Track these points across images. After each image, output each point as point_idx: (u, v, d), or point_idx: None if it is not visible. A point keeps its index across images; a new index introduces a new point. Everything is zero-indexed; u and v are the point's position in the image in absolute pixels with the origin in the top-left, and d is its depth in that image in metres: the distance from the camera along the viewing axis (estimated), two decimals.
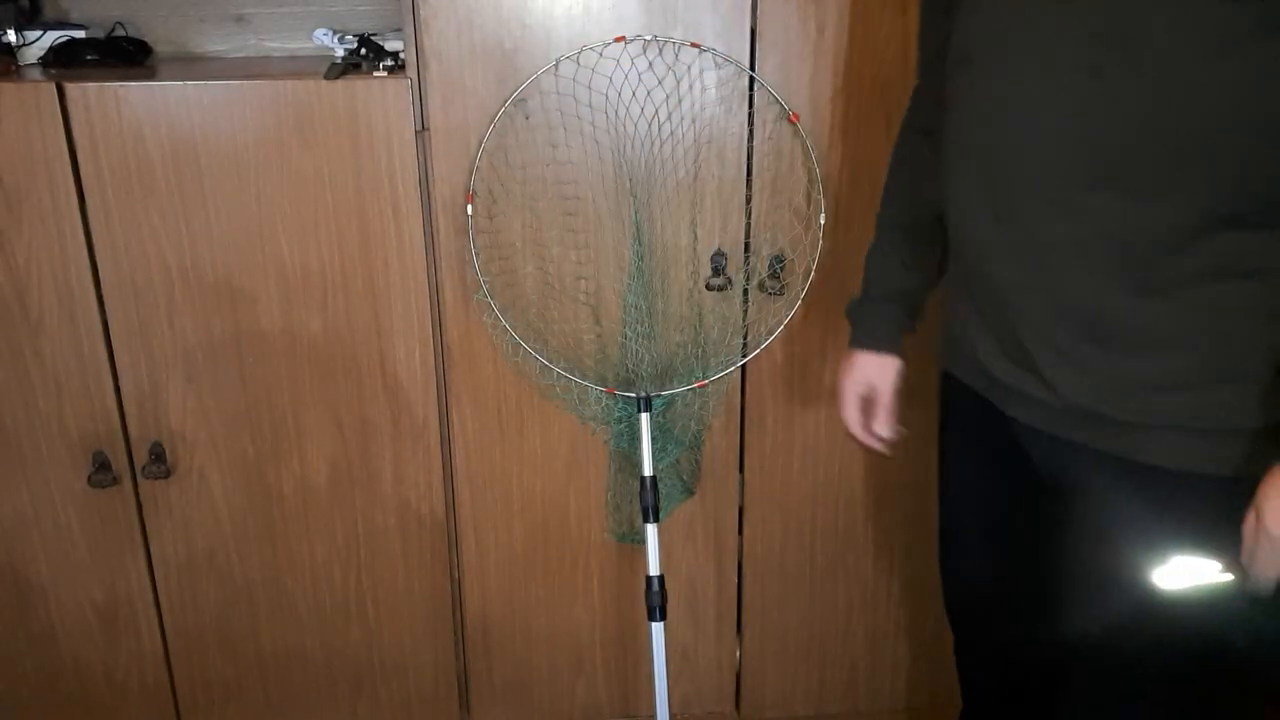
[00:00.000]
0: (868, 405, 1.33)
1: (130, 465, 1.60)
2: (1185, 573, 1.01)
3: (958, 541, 1.37)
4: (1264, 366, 0.96)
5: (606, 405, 1.59)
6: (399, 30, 1.53)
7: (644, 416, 1.51)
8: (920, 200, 1.25)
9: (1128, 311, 0.98)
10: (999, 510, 1.28)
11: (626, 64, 1.45)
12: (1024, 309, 1.06)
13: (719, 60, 1.45)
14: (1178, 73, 0.89)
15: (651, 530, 1.52)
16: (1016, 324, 1.07)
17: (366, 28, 1.68)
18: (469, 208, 1.48)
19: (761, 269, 1.55)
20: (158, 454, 1.58)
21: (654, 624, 1.53)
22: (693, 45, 1.44)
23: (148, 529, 1.64)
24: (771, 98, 1.47)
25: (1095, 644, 1.12)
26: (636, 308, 1.54)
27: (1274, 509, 0.92)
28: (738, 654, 1.82)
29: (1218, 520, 0.98)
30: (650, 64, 1.45)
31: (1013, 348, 1.09)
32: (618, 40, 1.43)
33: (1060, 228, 1.00)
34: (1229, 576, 0.99)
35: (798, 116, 1.48)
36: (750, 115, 1.49)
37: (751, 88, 1.48)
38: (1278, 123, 0.89)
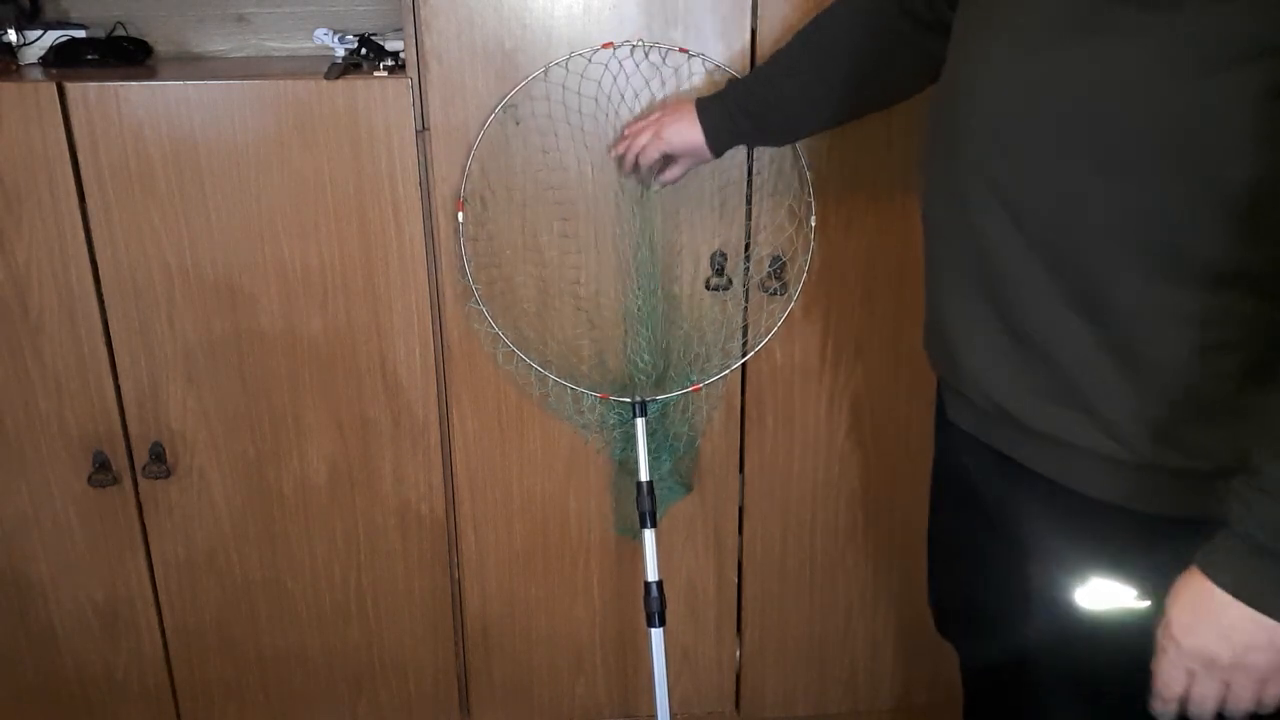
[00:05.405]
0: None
1: (130, 465, 1.60)
2: (1104, 595, 0.98)
3: (930, 553, 1.36)
4: (1198, 424, 0.88)
5: (602, 413, 1.59)
6: (399, 30, 1.53)
7: (639, 422, 1.51)
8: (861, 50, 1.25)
9: (1059, 326, 0.90)
10: (958, 523, 1.26)
11: (615, 68, 1.45)
12: (953, 289, 1.01)
13: (708, 65, 1.45)
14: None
15: (649, 535, 1.51)
16: (942, 305, 1.05)
17: (367, 28, 1.68)
18: (460, 215, 1.48)
19: (760, 269, 1.55)
20: (158, 454, 1.58)
21: (653, 630, 1.52)
22: (680, 50, 1.44)
23: (148, 529, 1.64)
24: None
25: (1033, 657, 1.09)
26: (627, 311, 1.54)
27: (1180, 618, 0.83)
28: (738, 654, 1.82)
29: (1132, 550, 0.95)
30: (638, 66, 1.45)
31: (937, 336, 1.07)
32: (605, 46, 1.43)
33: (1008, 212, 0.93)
34: (1146, 603, 0.94)
35: None
36: None
37: None
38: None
